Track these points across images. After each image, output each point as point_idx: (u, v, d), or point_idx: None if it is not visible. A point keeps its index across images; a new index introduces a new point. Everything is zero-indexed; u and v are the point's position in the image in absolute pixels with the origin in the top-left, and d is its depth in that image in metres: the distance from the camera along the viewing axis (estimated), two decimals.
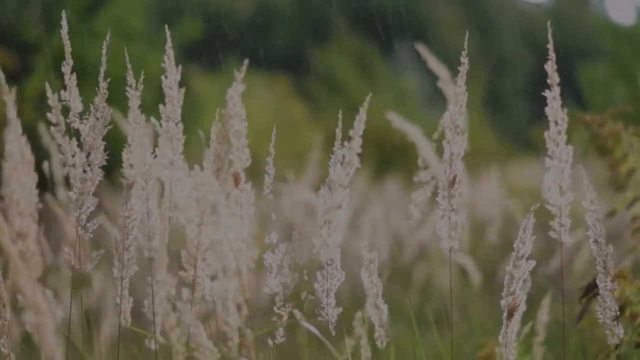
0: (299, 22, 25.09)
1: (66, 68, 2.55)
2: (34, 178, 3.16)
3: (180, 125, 2.61)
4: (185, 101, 2.68)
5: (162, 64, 2.60)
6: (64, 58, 2.57)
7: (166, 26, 2.58)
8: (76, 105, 2.55)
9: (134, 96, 2.56)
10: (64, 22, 2.56)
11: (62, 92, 2.55)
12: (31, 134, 3.32)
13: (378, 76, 21.23)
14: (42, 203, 3.23)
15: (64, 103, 2.56)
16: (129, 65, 2.57)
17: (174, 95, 2.61)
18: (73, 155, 2.57)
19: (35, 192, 3.15)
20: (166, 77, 2.61)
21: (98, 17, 11.65)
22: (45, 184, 3.41)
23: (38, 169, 3.22)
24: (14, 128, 3.17)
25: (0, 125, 3.26)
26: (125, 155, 2.56)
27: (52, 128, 2.74)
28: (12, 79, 3.44)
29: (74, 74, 2.58)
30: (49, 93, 2.66)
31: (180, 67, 2.61)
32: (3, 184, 3.20)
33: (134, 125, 2.58)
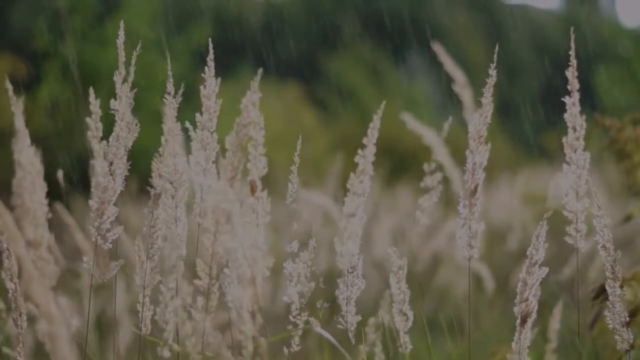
0: (310, 28, 25.10)
1: (117, 77, 2.54)
2: (43, 187, 3.15)
3: (215, 135, 2.61)
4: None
5: (203, 75, 2.60)
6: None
7: (209, 39, 2.58)
8: (127, 114, 2.54)
9: (172, 104, 2.55)
10: (120, 33, 2.55)
11: (112, 101, 2.53)
12: (42, 142, 3.32)
13: (389, 83, 21.22)
14: (53, 212, 3.22)
15: (113, 112, 2.55)
16: (169, 72, 2.57)
17: (211, 105, 2.61)
18: (111, 163, 2.55)
19: (45, 201, 3.14)
20: (205, 87, 2.61)
21: (107, 25, 11.68)
22: (59, 193, 3.41)
23: (48, 178, 3.21)
24: (22, 138, 3.17)
25: (10, 134, 3.26)
26: (155, 164, 2.55)
27: (88, 133, 2.73)
28: (23, 87, 3.44)
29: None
30: (91, 98, 2.65)
31: (219, 79, 2.61)
32: (14, 193, 3.20)
33: (169, 135, 2.57)
